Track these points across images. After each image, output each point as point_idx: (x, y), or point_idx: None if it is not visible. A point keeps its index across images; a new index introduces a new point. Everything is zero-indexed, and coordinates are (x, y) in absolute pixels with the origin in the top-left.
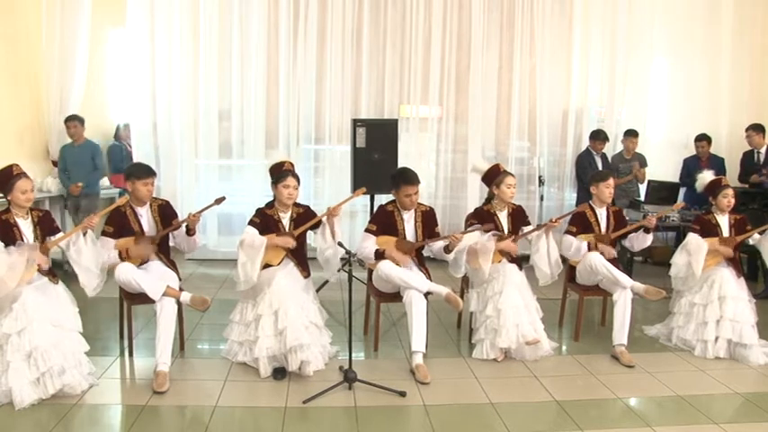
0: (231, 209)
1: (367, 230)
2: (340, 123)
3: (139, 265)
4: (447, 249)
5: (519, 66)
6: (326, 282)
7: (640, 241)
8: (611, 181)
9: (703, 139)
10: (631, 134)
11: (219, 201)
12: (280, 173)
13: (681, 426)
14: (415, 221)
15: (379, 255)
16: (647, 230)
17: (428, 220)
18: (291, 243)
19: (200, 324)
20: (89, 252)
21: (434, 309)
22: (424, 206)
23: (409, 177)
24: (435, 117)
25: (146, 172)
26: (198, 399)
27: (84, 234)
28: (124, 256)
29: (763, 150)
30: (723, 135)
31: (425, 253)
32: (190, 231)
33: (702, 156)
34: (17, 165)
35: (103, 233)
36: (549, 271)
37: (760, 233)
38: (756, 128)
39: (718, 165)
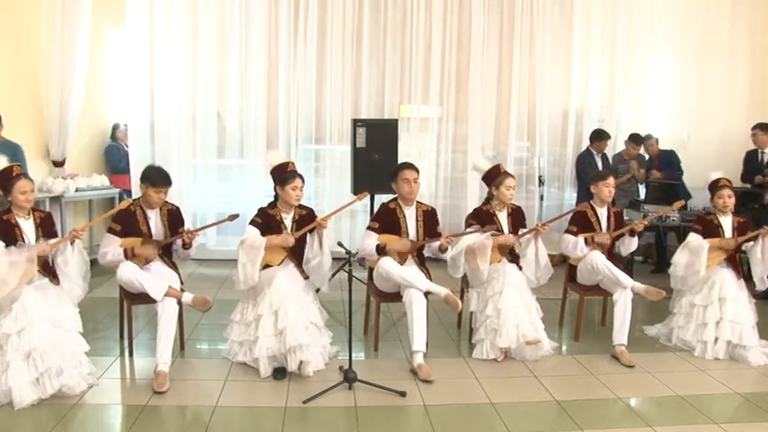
0: (230, 209)
1: (369, 228)
2: (340, 123)
3: (141, 266)
4: (440, 249)
5: (519, 66)
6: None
7: (627, 245)
8: (610, 180)
9: (650, 138)
10: (634, 140)
11: (233, 217)
12: (286, 174)
13: (681, 426)
14: (417, 220)
15: (381, 250)
16: (632, 234)
17: (429, 220)
18: (290, 240)
19: (201, 324)
20: (75, 262)
21: (434, 309)
22: (425, 206)
23: (407, 163)
24: (435, 117)
25: (163, 182)
26: (198, 399)
27: (72, 243)
28: (129, 255)
29: (767, 150)
30: (723, 134)
31: (425, 253)
32: (186, 246)
33: (652, 154)
34: (18, 165)
35: (110, 230)
36: (535, 276)
37: (753, 239)
38: (763, 127)
39: (668, 159)
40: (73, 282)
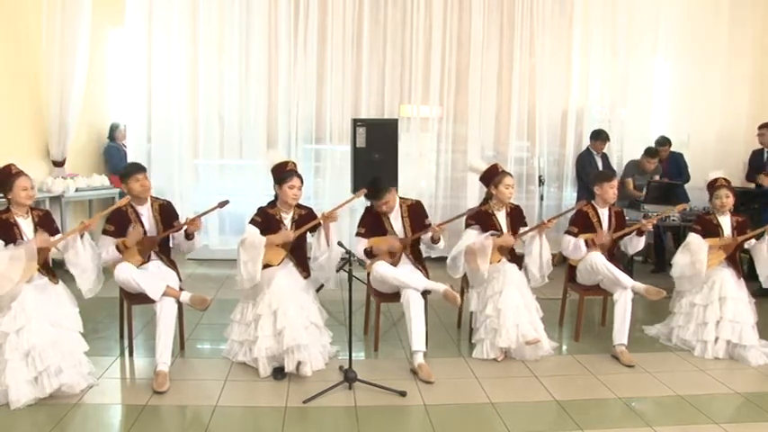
0: (231, 209)
1: (357, 234)
2: (340, 123)
3: (140, 266)
4: (433, 240)
5: (519, 66)
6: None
7: (634, 244)
8: (614, 182)
9: (665, 143)
10: (649, 154)
11: (222, 204)
12: (284, 173)
13: (681, 426)
14: (402, 218)
15: (369, 254)
16: (639, 233)
17: (415, 214)
18: (291, 236)
19: (200, 324)
20: (87, 254)
21: (434, 308)
22: (408, 200)
23: (377, 193)
24: (435, 117)
25: (134, 168)
26: (198, 399)
27: (82, 236)
28: (122, 248)
29: None
30: (723, 135)
31: (425, 253)
32: (188, 236)
33: (662, 158)
34: (14, 164)
35: (104, 232)
36: (539, 274)
37: (756, 238)
38: None
39: (676, 161)
40: (88, 271)
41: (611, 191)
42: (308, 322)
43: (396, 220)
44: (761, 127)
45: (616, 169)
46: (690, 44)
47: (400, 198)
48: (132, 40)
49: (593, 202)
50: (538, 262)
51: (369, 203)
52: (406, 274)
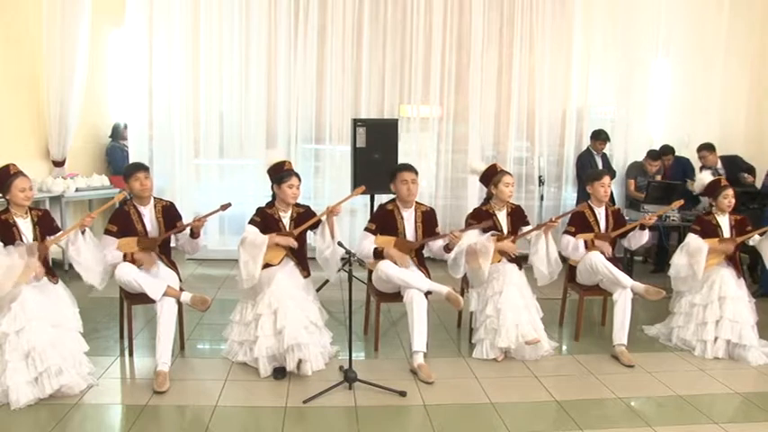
0: (231, 209)
1: (366, 229)
2: (340, 123)
3: (140, 266)
4: (447, 248)
5: (519, 66)
6: (327, 281)
7: (637, 239)
8: (605, 180)
9: (668, 152)
10: (651, 156)
11: (225, 207)
12: (282, 173)
13: (681, 426)
14: (416, 221)
15: (378, 254)
16: (642, 228)
17: (428, 221)
18: (293, 243)
19: (200, 324)
20: (89, 250)
21: (434, 309)
22: (424, 206)
23: (405, 164)
24: (435, 117)
25: (134, 168)
26: (198, 399)
27: (83, 232)
28: (129, 260)
29: (719, 167)
30: (722, 135)
31: (425, 253)
32: (194, 235)
33: (666, 167)
34: (14, 164)
35: (106, 232)
36: (547, 271)
37: (760, 234)
38: (708, 147)
39: (682, 167)
40: (90, 270)
41: (601, 189)
42: (308, 322)
43: (408, 221)
44: (700, 149)
45: (616, 169)
46: (690, 44)
47: (416, 203)
48: (132, 40)
49: (589, 201)
50: (545, 259)
51: (377, 203)
52: (410, 275)
